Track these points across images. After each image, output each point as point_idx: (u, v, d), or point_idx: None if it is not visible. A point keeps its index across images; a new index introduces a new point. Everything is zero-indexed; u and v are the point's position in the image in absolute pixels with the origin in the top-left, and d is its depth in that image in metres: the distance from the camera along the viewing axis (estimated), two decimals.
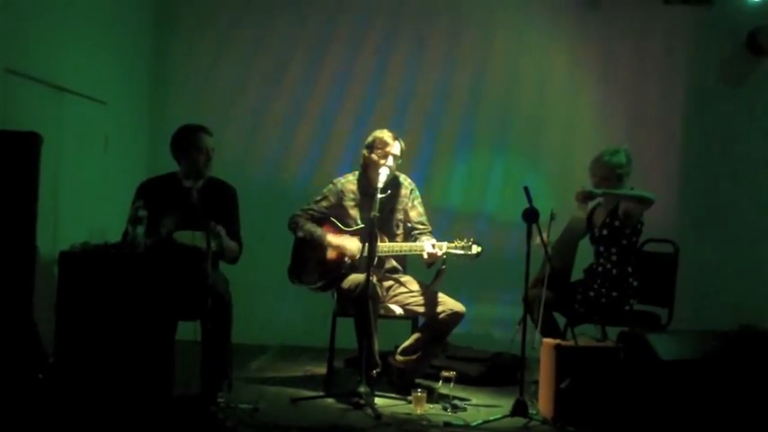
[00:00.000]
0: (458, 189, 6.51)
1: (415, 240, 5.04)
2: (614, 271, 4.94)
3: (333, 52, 6.50)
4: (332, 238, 5.03)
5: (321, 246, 5.03)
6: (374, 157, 5.01)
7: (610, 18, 6.45)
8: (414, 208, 5.15)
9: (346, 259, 4.97)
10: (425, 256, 4.80)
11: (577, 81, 6.51)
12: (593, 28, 6.46)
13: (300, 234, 5.06)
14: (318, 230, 5.05)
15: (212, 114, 5.99)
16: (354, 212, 5.10)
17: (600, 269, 4.99)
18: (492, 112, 6.49)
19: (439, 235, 5.06)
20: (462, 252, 4.77)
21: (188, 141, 4.65)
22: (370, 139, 5.07)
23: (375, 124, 5.40)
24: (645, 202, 4.84)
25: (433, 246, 4.79)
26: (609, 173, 4.97)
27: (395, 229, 5.09)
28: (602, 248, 5.02)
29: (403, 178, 5.19)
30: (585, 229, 5.10)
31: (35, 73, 4.82)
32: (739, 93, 6.46)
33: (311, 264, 5.04)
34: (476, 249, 4.76)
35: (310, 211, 5.13)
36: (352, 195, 5.12)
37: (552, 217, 4.72)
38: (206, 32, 6.55)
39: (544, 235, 4.59)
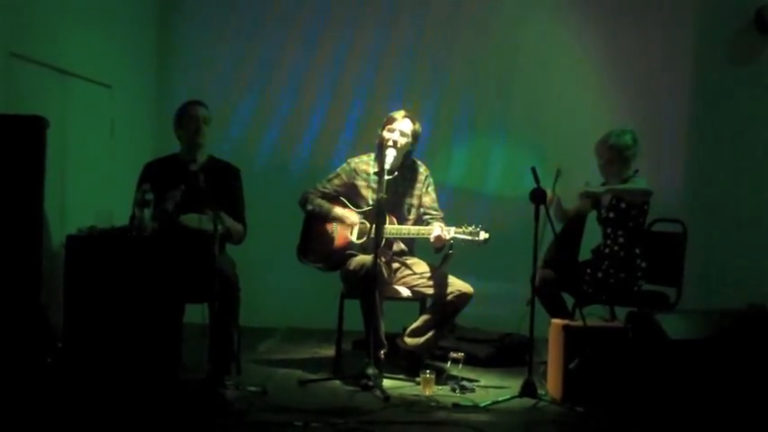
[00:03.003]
0: (458, 167, 6.47)
1: (425, 225, 5.02)
2: (622, 253, 4.92)
3: (332, 31, 6.46)
4: (337, 210, 5.04)
5: (328, 221, 5.04)
6: (383, 133, 5.01)
7: None
8: (428, 194, 5.13)
9: (349, 234, 4.97)
10: (432, 240, 4.78)
11: (581, 58, 6.45)
12: (597, 5, 6.41)
13: (309, 207, 5.07)
14: (326, 204, 5.06)
15: (219, 96, 6.00)
16: (366, 193, 5.09)
17: (607, 251, 4.97)
18: (492, 90, 6.45)
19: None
20: (470, 238, 4.71)
21: (181, 113, 4.74)
22: (385, 119, 5.08)
23: (374, 102, 5.35)
24: (646, 195, 4.85)
25: (441, 230, 4.77)
26: (615, 155, 4.94)
27: (406, 213, 5.07)
28: (609, 230, 5.00)
29: (419, 165, 5.17)
30: (591, 206, 5.08)
31: (39, 56, 4.79)
32: (747, 71, 6.40)
33: (317, 243, 5.05)
34: (483, 236, 4.70)
35: (322, 189, 5.13)
36: (364, 176, 5.11)
37: (558, 173, 4.73)
38: (211, 15, 6.52)
39: (549, 191, 4.62)
